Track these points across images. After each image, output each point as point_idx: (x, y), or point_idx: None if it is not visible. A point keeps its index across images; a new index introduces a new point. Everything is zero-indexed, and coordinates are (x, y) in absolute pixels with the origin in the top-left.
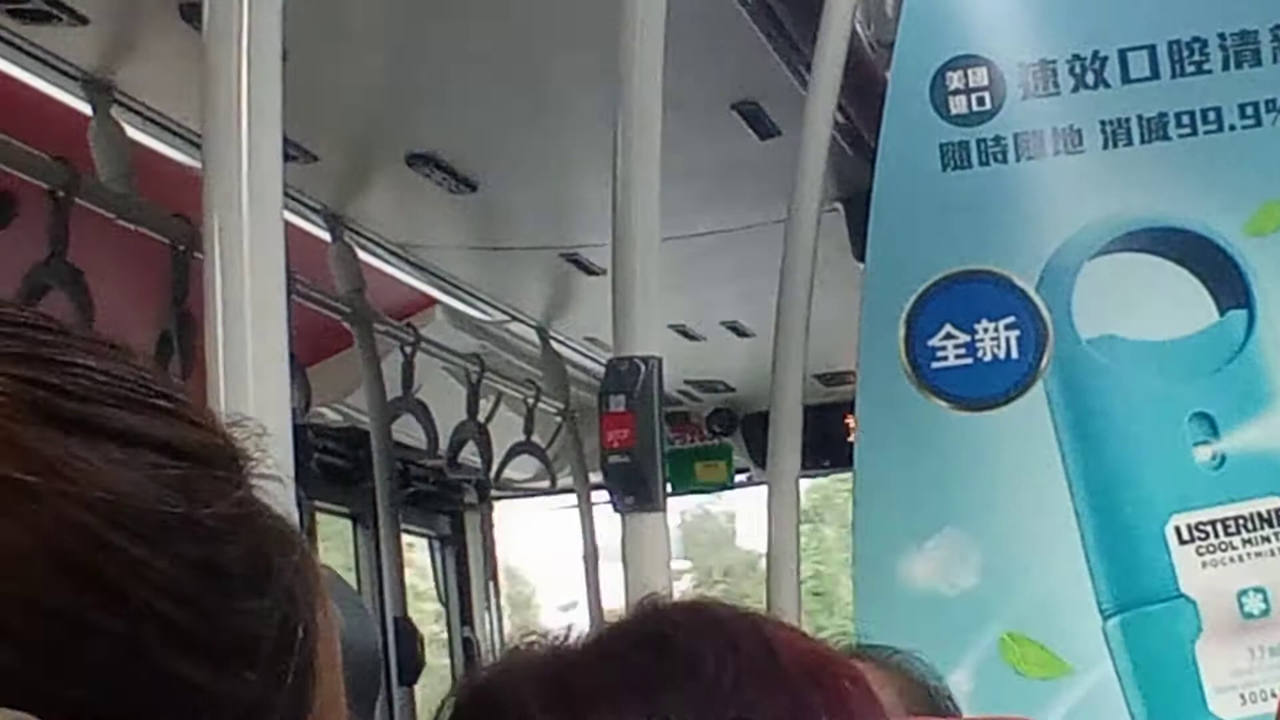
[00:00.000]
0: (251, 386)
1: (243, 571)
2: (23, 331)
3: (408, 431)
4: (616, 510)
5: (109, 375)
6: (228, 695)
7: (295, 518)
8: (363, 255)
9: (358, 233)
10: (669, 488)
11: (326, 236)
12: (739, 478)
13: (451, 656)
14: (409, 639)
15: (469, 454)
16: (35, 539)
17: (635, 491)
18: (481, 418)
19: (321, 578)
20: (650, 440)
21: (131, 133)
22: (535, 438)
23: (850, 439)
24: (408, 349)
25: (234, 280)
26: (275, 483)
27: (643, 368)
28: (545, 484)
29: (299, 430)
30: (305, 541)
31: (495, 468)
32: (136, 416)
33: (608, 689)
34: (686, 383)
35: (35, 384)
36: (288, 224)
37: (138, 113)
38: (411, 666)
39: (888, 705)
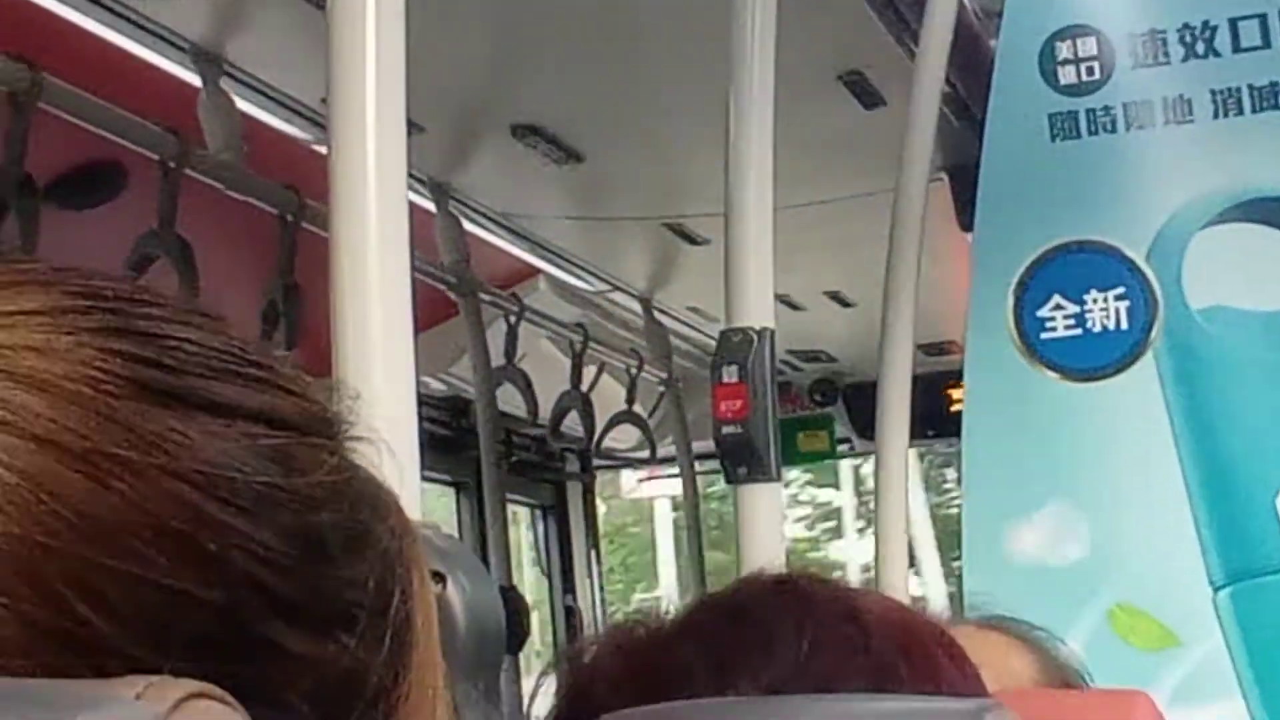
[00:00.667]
0: (379, 363)
1: (340, 538)
2: (119, 306)
3: (511, 401)
4: (729, 481)
5: (204, 346)
6: (326, 661)
7: (417, 498)
8: (467, 225)
9: (462, 203)
10: None
11: (432, 207)
12: (840, 448)
13: (554, 625)
14: (515, 608)
15: (571, 424)
16: (136, 513)
17: (749, 462)
18: (584, 387)
19: (419, 543)
20: (763, 411)
21: (240, 104)
22: (637, 407)
23: (953, 409)
24: (512, 318)
25: (359, 257)
26: (390, 456)
27: (755, 338)
28: (646, 454)
29: None
30: (401, 506)
31: (596, 436)
32: (231, 387)
33: (683, 665)
34: (789, 352)
35: (132, 359)
36: None
37: (247, 84)
38: (517, 635)
39: (1026, 680)
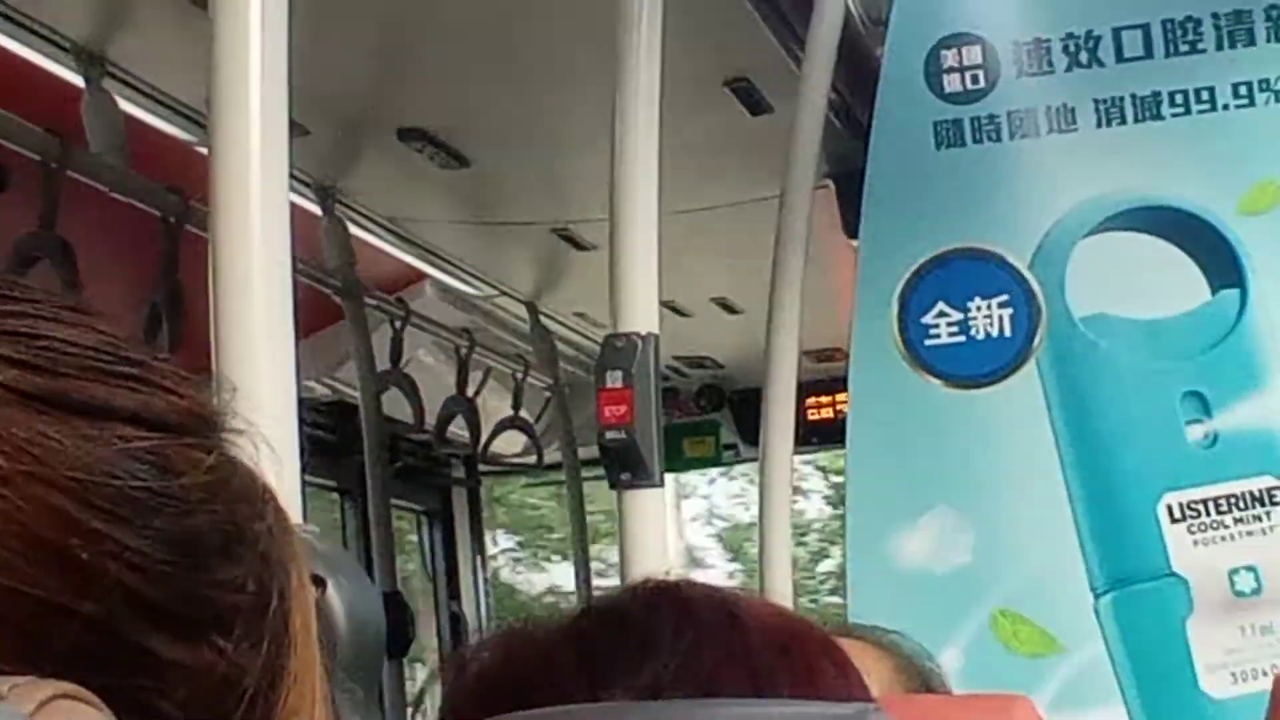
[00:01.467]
0: (261, 364)
1: (216, 541)
2: None
3: (397, 406)
4: (613, 486)
5: (77, 345)
6: (202, 667)
7: (298, 498)
8: (353, 229)
9: (349, 207)
10: None
11: (318, 210)
12: (726, 454)
13: (439, 631)
14: (398, 613)
15: (457, 430)
16: (7, 524)
17: (633, 468)
18: (469, 393)
19: (298, 542)
20: (647, 416)
21: (124, 105)
22: (523, 413)
23: (839, 416)
24: (397, 323)
25: (240, 258)
26: (270, 455)
27: (640, 344)
28: (532, 460)
29: None
30: (279, 505)
31: (483, 443)
32: (104, 388)
33: (559, 670)
34: (675, 358)
35: (8, 361)
36: None
37: (130, 85)
38: (400, 640)
39: (882, 683)
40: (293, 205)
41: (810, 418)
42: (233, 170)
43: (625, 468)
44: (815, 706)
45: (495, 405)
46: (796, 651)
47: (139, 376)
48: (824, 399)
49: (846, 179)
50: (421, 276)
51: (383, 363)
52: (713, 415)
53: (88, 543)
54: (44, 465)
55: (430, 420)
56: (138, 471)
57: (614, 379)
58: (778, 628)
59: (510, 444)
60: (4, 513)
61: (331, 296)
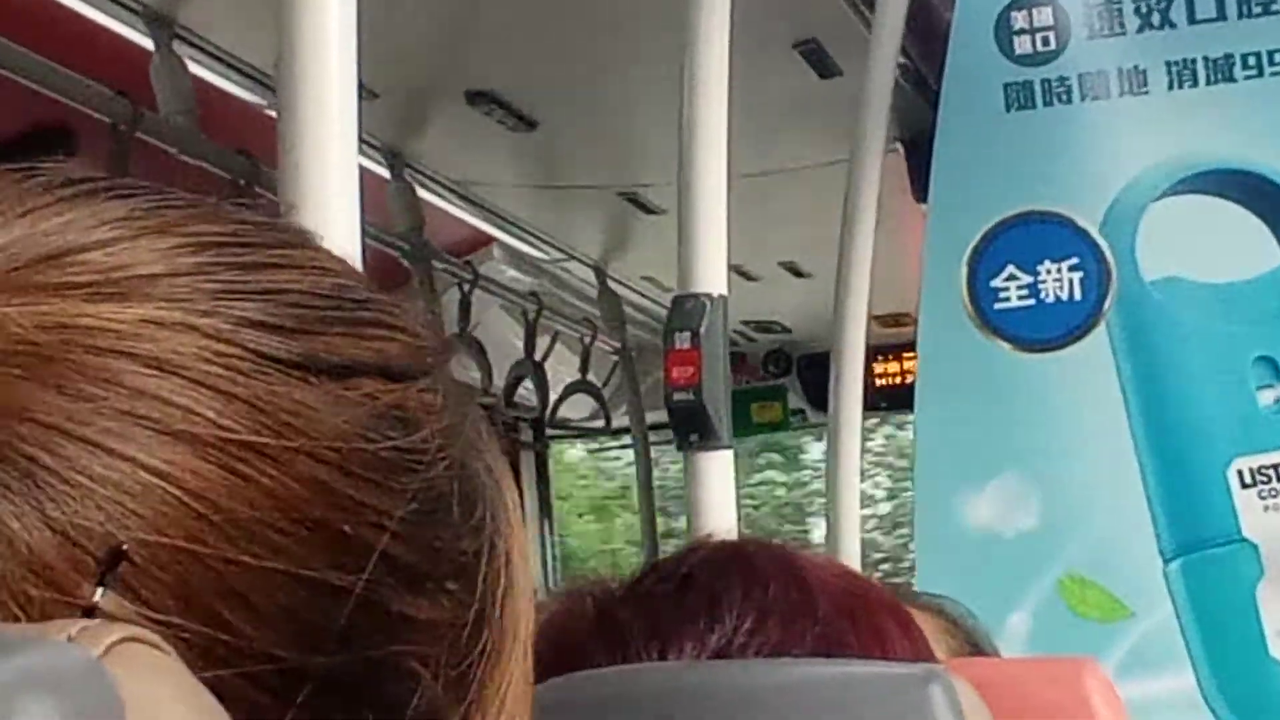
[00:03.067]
0: None
1: (454, 490)
2: (226, 251)
3: (464, 370)
4: (680, 448)
5: (319, 295)
6: (449, 621)
7: None
8: (421, 193)
9: (417, 170)
10: None
11: (386, 174)
12: (794, 420)
13: None
14: None
15: (524, 394)
16: (273, 504)
17: (700, 429)
18: (538, 356)
19: (507, 476)
20: (715, 378)
21: (193, 68)
22: (590, 377)
23: (907, 381)
24: (465, 286)
25: (309, 222)
26: None
27: (708, 304)
28: (600, 423)
29: None
30: (491, 436)
31: (551, 406)
32: (350, 340)
33: (625, 632)
34: (742, 323)
35: (253, 325)
36: None
37: (200, 48)
38: None
39: (929, 636)
40: (361, 169)
41: (879, 383)
42: (302, 133)
43: (693, 429)
44: (883, 666)
45: (561, 370)
46: (862, 613)
47: (375, 320)
48: (892, 363)
49: (916, 142)
50: (489, 240)
51: (451, 326)
52: (780, 380)
53: (349, 515)
54: (306, 437)
55: (498, 384)
56: (387, 431)
57: (682, 340)
58: (844, 590)
59: (576, 409)
60: (271, 493)
61: (400, 260)
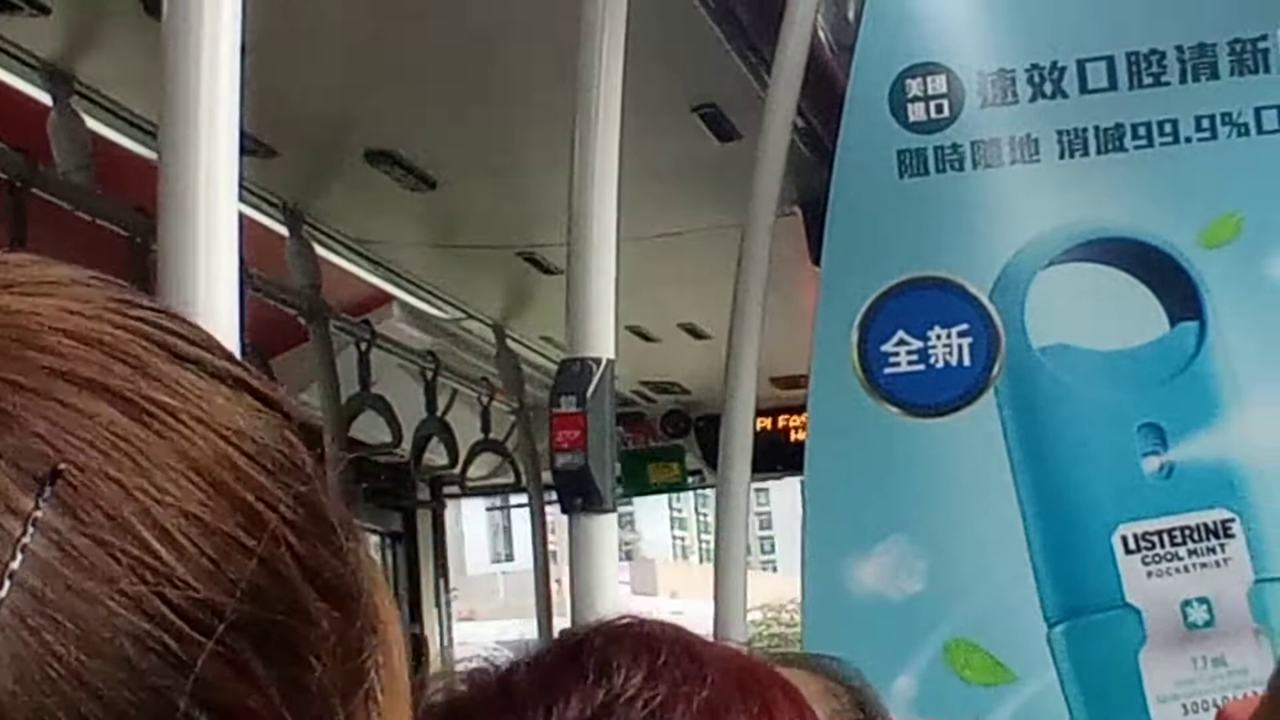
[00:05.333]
0: None
1: (334, 517)
2: (116, 287)
3: (361, 428)
4: (565, 511)
5: (198, 333)
6: (336, 624)
7: None
8: (321, 251)
9: (316, 228)
10: (620, 488)
11: (284, 231)
12: (691, 479)
13: None
14: None
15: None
16: (181, 459)
17: (584, 493)
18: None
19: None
20: (601, 442)
21: (91, 124)
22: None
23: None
24: (363, 345)
25: (188, 273)
26: None
27: (595, 368)
28: (500, 481)
29: None
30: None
31: (460, 465)
32: (230, 364)
33: (520, 693)
34: (641, 383)
35: (151, 323)
36: (246, 218)
37: (98, 104)
38: None
39: (812, 698)
40: (260, 226)
41: (789, 440)
42: (183, 187)
43: (577, 493)
44: None
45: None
46: (751, 683)
47: (239, 363)
48: (797, 423)
49: (814, 206)
50: (388, 299)
51: (351, 385)
52: (678, 441)
53: (250, 488)
54: (208, 414)
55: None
56: (275, 438)
57: (568, 403)
58: (735, 664)
59: (476, 467)
60: (180, 450)
61: (297, 317)
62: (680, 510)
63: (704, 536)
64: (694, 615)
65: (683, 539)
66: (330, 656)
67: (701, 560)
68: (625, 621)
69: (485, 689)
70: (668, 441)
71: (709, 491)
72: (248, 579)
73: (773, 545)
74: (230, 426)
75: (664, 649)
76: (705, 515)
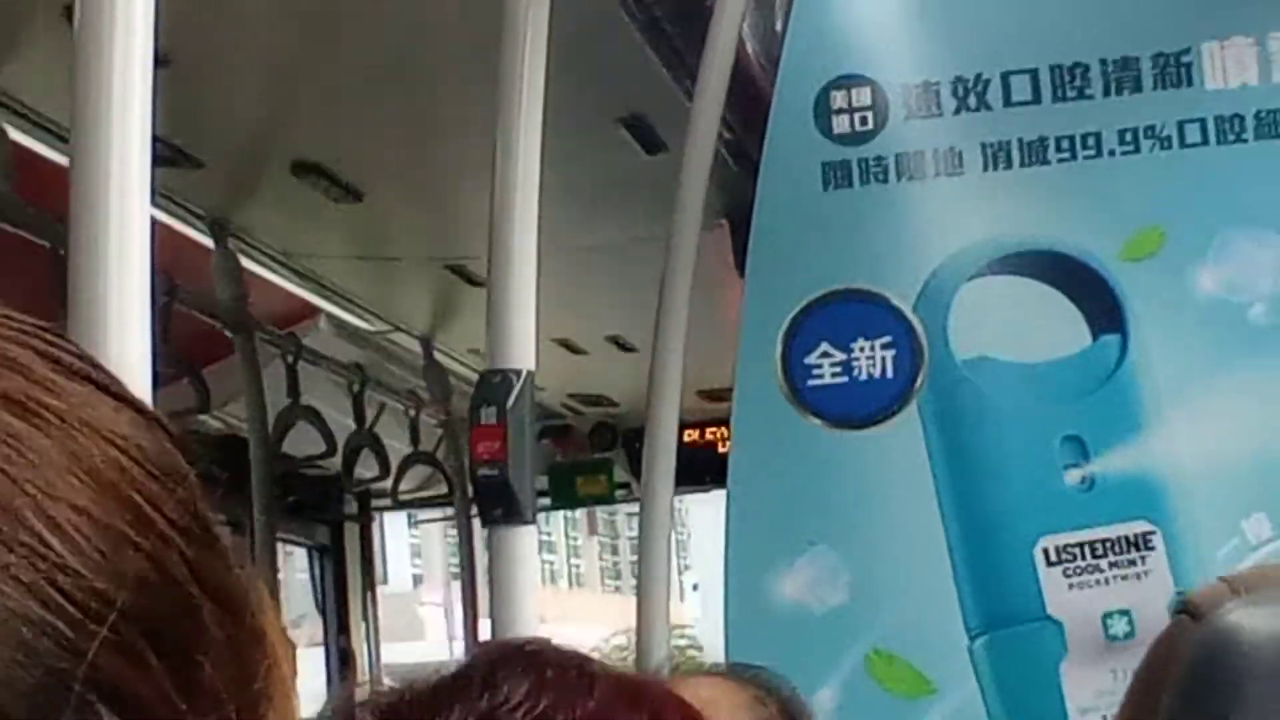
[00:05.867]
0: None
1: (217, 527)
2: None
3: (288, 441)
4: (485, 524)
5: (73, 343)
6: (223, 629)
7: None
8: (247, 263)
9: (242, 240)
10: (549, 500)
11: (210, 243)
12: (619, 493)
13: (327, 665)
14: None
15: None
16: (70, 459)
17: (504, 504)
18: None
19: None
20: (521, 453)
21: (12, 132)
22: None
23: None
24: (289, 357)
25: (99, 282)
26: None
27: (516, 380)
28: (430, 494)
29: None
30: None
31: (393, 478)
32: (107, 376)
33: (415, 710)
34: (570, 396)
35: (33, 334)
36: (171, 230)
37: (18, 112)
38: None
39: (737, 710)
40: (185, 238)
41: (705, 458)
42: (94, 193)
43: (497, 505)
44: None
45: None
46: (642, 698)
47: (119, 382)
48: (724, 436)
49: (740, 218)
50: (315, 311)
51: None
52: (607, 454)
53: (137, 489)
54: (95, 419)
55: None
56: (159, 449)
57: (488, 415)
58: (626, 681)
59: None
60: (69, 450)
61: (222, 330)
62: (550, 535)
63: (573, 560)
64: (564, 640)
65: (551, 563)
66: (219, 657)
67: (570, 586)
68: (521, 644)
69: (393, 706)
70: (596, 455)
71: (578, 515)
72: (137, 573)
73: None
74: (117, 432)
75: (553, 664)
76: (575, 539)
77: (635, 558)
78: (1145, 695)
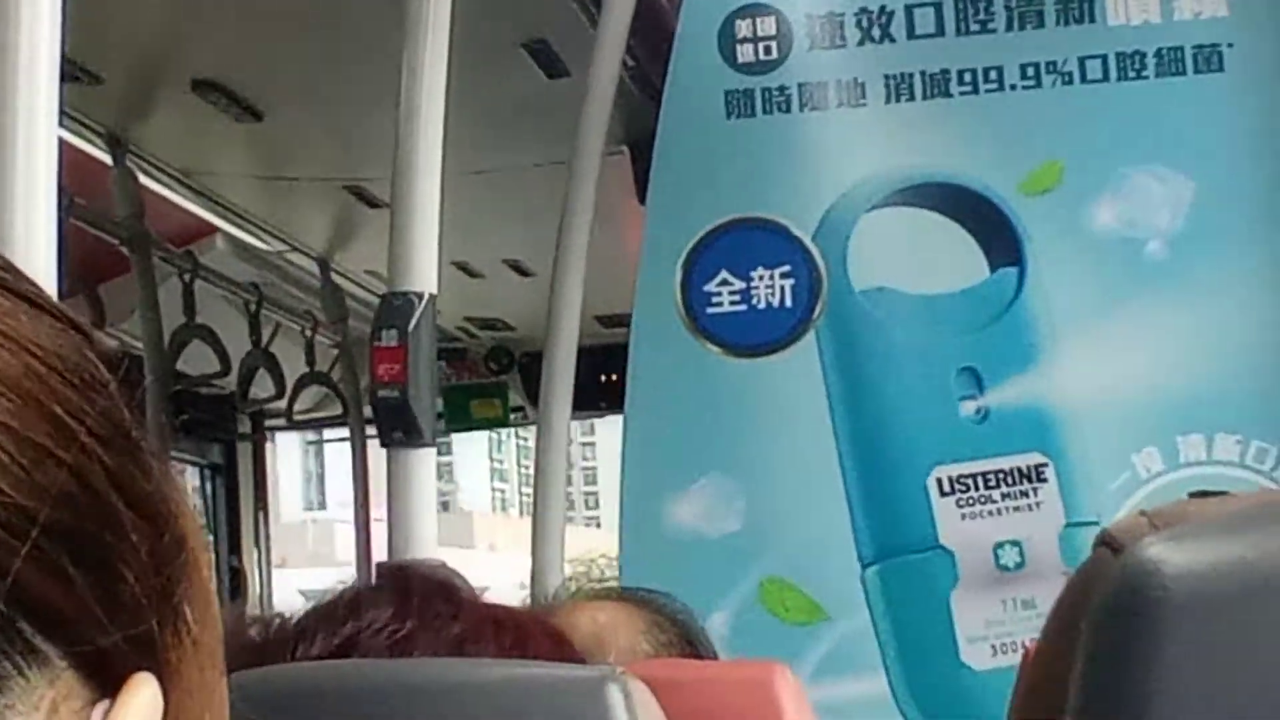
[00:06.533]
0: None
1: (135, 433)
2: None
3: (183, 359)
4: (384, 444)
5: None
6: (146, 537)
7: None
8: (146, 180)
9: (141, 157)
10: (444, 424)
11: (108, 160)
12: (514, 416)
13: (219, 584)
14: None
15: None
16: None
17: (404, 426)
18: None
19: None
20: (422, 376)
21: None
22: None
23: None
24: (186, 276)
25: (5, 199)
26: None
27: (417, 303)
28: (324, 414)
29: None
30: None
31: (288, 398)
32: (32, 287)
33: (281, 638)
34: (466, 319)
35: None
36: (69, 146)
37: None
38: None
39: (635, 635)
40: (83, 154)
41: (602, 381)
42: (0, 111)
43: (397, 427)
44: (562, 669)
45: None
46: (508, 622)
47: (38, 287)
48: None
49: (642, 146)
50: (213, 230)
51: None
52: (502, 377)
53: (58, 402)
54: (12, 330)
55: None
56: (79, 357)
57: (389, 337)
58: (496, 608)
59: (300, 400)
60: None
61: (120, 247)
62: (501, 462)
63: (525, 490)
64: (513, 568)
65: (503, 491)
66: (141, 568)
67: (522, 514)
68: (395, 568)
69: (274, 629)
70: (491, 378)
71: (532, 445)
72: (59, 487)
73: (597, 501)
74: (36, 343)
75: (420, 591)
76: (527, 467)
77: (590, 488)
78: (1065, 627)
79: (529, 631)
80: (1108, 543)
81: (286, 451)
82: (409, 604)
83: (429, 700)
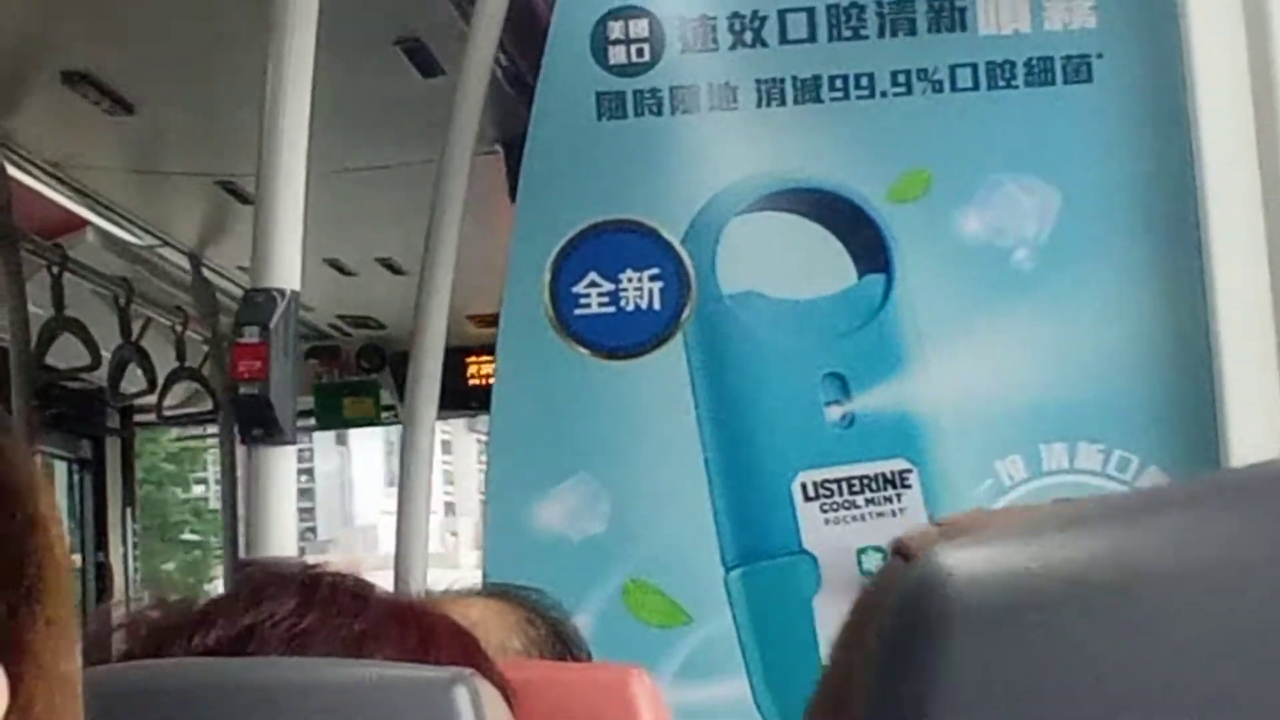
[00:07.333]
0: None
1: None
2: None
3: (51, 353)
4: (244, 442)
5: None
6: (2, 537)
7: None
8: (14, 172)
9: (9, 149)
10: (314, 421)
11: None
12: (385, 415)
13: (84, 581)
14: None
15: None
16: None
17: (264, 423)
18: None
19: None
20: (283, 373)
21: None
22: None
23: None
24: (55, 269)
25: None
26: None
27: (280, 300)
28: (193, 410)
29: None
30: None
31: (158, 394)
32: None
33: (153, 635)
34: (338, 317)
35: None
36: None
37: None
38: None
39: (506, 632)
40: None
41: (473, 383)
42: None
43: (257, 424)
44: (411, 669)
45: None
46: (412, 619)
47: None
48: (487, 364)
49: (516, 145)
50: (83, 223)
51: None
52: (373, 375)
53: None
54: None
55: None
56: None
57: (251, 334)
58: (401, 604)
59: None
60: None
61: None
62: (449, 433)
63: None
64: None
65: (449, 463)
66: None
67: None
68: (304, 567)
69: (150, 627)
70: (363, 376)
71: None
72: None
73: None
74: None
75: (325, 585)
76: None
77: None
78: (855, 636)
79: (434, 631)
80: (899, 551)
81: None
82: (313, 598)
83: (268, 701)
